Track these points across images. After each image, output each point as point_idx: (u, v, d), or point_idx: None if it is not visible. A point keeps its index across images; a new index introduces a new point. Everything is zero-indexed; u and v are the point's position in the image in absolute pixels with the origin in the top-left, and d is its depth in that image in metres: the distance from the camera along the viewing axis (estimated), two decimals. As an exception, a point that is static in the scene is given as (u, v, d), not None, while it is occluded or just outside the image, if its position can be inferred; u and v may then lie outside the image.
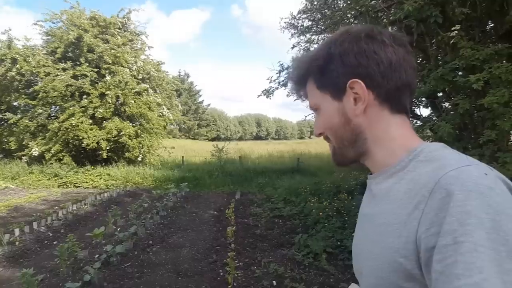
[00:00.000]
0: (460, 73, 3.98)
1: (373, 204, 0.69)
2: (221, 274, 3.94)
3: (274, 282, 3.72)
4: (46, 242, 5.09)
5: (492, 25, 4.66)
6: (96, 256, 4.32)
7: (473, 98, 3.78)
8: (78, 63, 12.19)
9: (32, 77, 12.21)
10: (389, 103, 0.67)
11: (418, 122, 5.63)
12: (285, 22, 9.13)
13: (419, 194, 0.56)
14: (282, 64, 8.23)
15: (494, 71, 3.27)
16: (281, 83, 8.30)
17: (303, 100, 0.80)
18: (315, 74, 0.72)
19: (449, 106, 4.97)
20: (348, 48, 0.66)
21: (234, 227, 5.58)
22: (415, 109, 6.14)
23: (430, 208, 0.52)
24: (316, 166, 12.86)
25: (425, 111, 8.10)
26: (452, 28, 3.69)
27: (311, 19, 8.56)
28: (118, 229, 5.58)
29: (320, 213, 5.88)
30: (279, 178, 10.74)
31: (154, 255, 4.54)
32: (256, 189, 9.73)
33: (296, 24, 9.02)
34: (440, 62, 4.45)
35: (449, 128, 3.71)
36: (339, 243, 4.71)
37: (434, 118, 5.33)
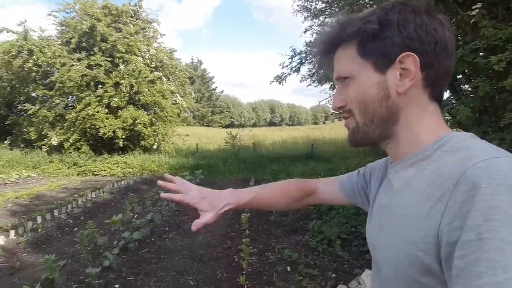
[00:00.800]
0: (481, 54, 3.81)
1: (392, 194, 0.66)
2: (236, 260, 3.99)
3: (288, 268, 3.75)
4: (67, 229, 5.27)
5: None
6: (115, 242, 4.45)
7: (494, 80, 3.63)
8: (92, 52, 12.31)
9: (48, 68, 12.42)
10: (431, 88, 0.63)
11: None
12: (298, 5, 8.94)
13: (444, 186, 0.53)
14: (295, 49, 8.10)
15: (518, 51, 3.11)
16: (293, 69, 8.18)
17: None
18: (362, 37, 0.63)
19: (469, 89, 4.79)
20: (409, 18, 0.60)
21: (248, 213, 5.62)
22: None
23: (454, 201, 0.49)
24: (330, 152, 12.77)
25: (444, 95, 7.86)
26: (473, 7, 3.52)
27: (325, 0, 8.34)
28: (135, 216, 5.72)
29: (335, 199, 5.85)
30: (293, 165, 10.72)
31: (170, 241, 4.64)
32: (270, 176, 9.74)
33: (309, 6, 8.82)
34: (460, 43, 4.28)
35: (468, 111, 3.58)
36: (353, 229, 4.69)
37: (453, 102, 5.16)
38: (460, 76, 4.79)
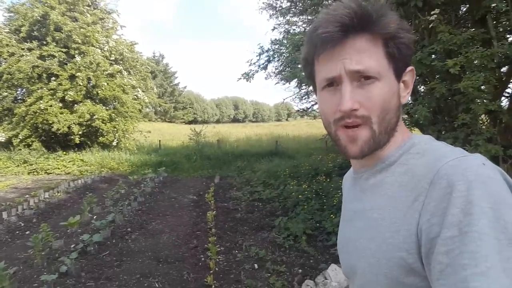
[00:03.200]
0: (436, 57, 4.04)
1: (364, 200, 0.67)
2: (203, 259, 3.93)
3: (256, 265, 3.76)
4: (17, 232, 4.89)
5: (465, 9, 4.73)
6: (72, 245, 4.20)
7: (449, 82, 3.86)
8: (44, 42, 11.52)
9: (-6, 58, 11.44)
10: None
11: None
12: (263, 3, 8.94)
13: (418, 186, 0.55)
14: (262, 46, 8.11)
15: (470, 56, 3.33)
16: (261, 66, 8.20)
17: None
18: (397, 38, 0.59)
19: (425, 90, 5.07)
20: (412, 35, 0.63)
21: (214, 211, 5.57)
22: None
23: (430, 199, 0.51)
24: (294, 149, 13.00)
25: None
26: (432, 12, 3.71)
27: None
28: (95, 217, 5.45)
29: (299, 196, 5.95)
30: (257, 161, 10.77)
31: (133, 243, 4.47)
32: (235, 173, 9.72)
33: (274, 5, 8.86)
34: (418, 46, 4.50)
35: (425, 111, 3.78)
36: (318, 224, 4.80)
37: (410, 102, 5.44)
38: (418, 77, 5.05)
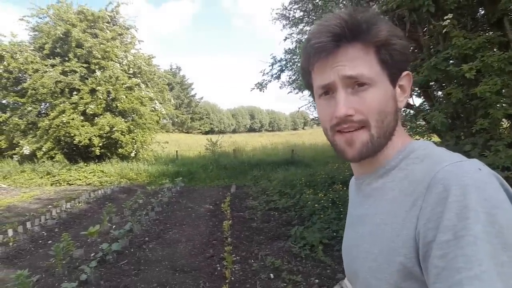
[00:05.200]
0: (452, 62, 3.98)
1: (367, 205, 0.68)
2: (218, 268, 3.94)
3: (272, 275, 3.73)
4: (40, 241, 5.04)
5: (483, 13, 4.66)
6: (92, 254, 4.30)
7: (466, 87, 3.78)
8: (66, 58, 11.99)
9: (20, 74, 11.99)
10: None
11: (411, 111, 5.64)
12: (276, 13, 9.05)
13: (416, 191, 0.56)
14: (275, 57, 8.18)
15: (486, 60, 3.26)
16: (274, 76, 8.25)
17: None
18: (388, 46, 0.61)
19: (442, 96, 4.98)
20: (406, 41, 0.64)
21: (230, 221, 5.58)
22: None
23: (427, 203, 0.52)
24: (310, 157, 12.91)
25: (418, 101, 8.13)
26: (445, 17, 3.68)
27: (303, 9, 8.48)
28: (114, 226, 5.56)
29: (316, 205, 5.90)
30: (273, 170, 10.75)
31: (151, 252, 4.53)
32: (251, 182, 9.73)
33: (287, 15, 8.94)
34: (432, 52, 4.44)
35: (442, 117, 3.71)
36: (335, 234, 4.74)
37: (427, 108, 5.34)
38: (433, 83, 4.98)
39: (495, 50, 3.61)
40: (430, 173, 0.55)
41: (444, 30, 3.73)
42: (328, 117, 0.63)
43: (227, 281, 3.54)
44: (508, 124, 4.03)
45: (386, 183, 0.64)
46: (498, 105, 3.44)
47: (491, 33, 3.74)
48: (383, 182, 0.64)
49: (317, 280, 3.57)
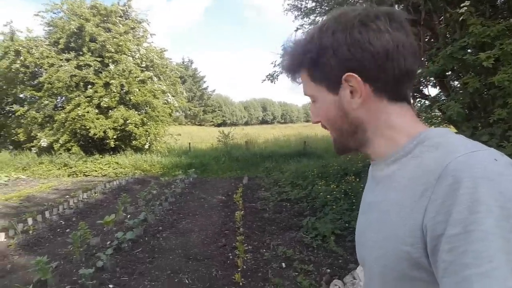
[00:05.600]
0: (469, 50, 3.88)
1: (377, 192, 0.67)
2: (231, 257, 3.99)
3: (283, 264, 3.77)
4: (58, 230, 5.20)
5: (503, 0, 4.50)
6: (108, 242, 4.41)
7: (483, 76, 3.69)
8: (81, 53, 12.16)
9: (36, 69, 12.25)
10: (387, 94, 0.63)
11: (427, 102, 5.54)
12: (288, 4, 8.93)
13: (426, 181, 0.54)
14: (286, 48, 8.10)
15: (506, 48, 3.17)
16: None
17: (300, 84, 0.74)
18: (308, 66, 0.67)
19: (458, 85, 4.86)
20: (341, 39, 0.61)
21: (242, 211, 5.63)
22: (423, 89, 6.03)
23: (437, 195, 0.51)
24: (322, 149, 12.83)
25: (433, 91, 7.97)
26: (462, 4, 3.57)
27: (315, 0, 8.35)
28: (128, 216, 5.68)
29: (328, 196, 5.89)
30: (286, 162, 10.75)
31: (164, 241, 4.62)
32: (263, 174, 9.76)
33: (299, 6, 8.82)
34: (448, 40, 4.34)
35: (458, 107, 3.63)
36: (347, 225, 4.73)
37: (442, 98, 5.23)
38: (450, 72, 4.86)
39: (514, 37, 3.49)
40: (442, 164, 0.52)
41: (461, 18, 3.63)
42: None
43: (239, 269, 3.59)
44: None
45: (397, 171, 0.62)
46: (516, 94, 3.34)
47: (511, 20, 3.62)
48: (394, 169, 0.63)
49: (328, 270, 3.59)
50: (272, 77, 8.32)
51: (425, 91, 5.92)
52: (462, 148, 0.53)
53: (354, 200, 5.56)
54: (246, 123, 59.86)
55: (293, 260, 3.82)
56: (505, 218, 0.44)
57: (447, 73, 4.95)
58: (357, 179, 6.85)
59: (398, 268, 0.56)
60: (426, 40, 5.31)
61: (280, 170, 9.64)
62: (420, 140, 0.60)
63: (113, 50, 12.08)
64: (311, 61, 0.66)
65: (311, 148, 12.77)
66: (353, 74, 0.61)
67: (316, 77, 0.67)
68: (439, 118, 4.80)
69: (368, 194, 0.73)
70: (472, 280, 0.43)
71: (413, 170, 0.58)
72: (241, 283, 3.32)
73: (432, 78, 5.45)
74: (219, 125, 43.56)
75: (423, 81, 5.79)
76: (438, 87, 5.80)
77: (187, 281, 3.46)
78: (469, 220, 0.45)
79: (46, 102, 11.96)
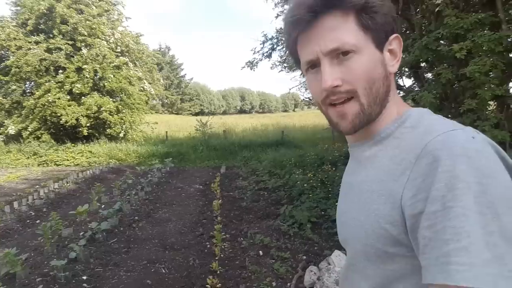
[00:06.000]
0: (443, 42, 3.97)
1: (358, 172, 0.68)
2: (208, 246, 3.98)
3: (261, 252, 3.80)
4: (28, 221, 5.00)
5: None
6: (81, 233, 4.29)
7: (455, 68, 3.80)
8: (51, 35, 11.60)
9: (2, 52, 11.60)
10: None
11: (401, 92, 5.66)
12: (268, -9, 8.83)
13: (406, 160, 0.55)
14: (266, 34, 8.04)
15: (477, 40, 3.27)
16: (265, 55, 8.14)
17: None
18: (365, 9, 0.58)
19: (431, 77, 5.00)
20: (388, 2, 0.61)
21: (220, 200, 5.61)
22: (398, 79, 6.16)
23: (416, 174, 0.51)
24: (300, 139, 12.97)
25: (408, 82, 8.16)
26: (438, -4, 3.64)
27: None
28: (103, 206, 5.54)
29: (305, 185, 5.96)
30: (264, 151, 10.79)
31: (141, 231, 4.55)
32: (241, 163, 9.76)
33: (279, -8, 8.73)
34: (424, 32, 4.43)
35: (431, 98, 3.74)
36: (323, 212, 4.81)
37: (416, 89, 5.37)
38: (424, 64, 4.98)
39: (486, 30, 3.60)
40: (421, 143, 0.53)
41: (437, 9, 3.70)
42: (318, 90, 0.62)
43: (216, 258, 3.59)
44: (495, 105, 4.09)
45: (379, 151, 0.63)
46: (486, 86, 3.48)
47: (482, 13, 3.73)
48: (376, 150, 0.63)
49: (304, 257, 3.65)
50: (251, 64, 8.25)
51: (400, 82, 6.06)
52: (440, 127, 0.54)
53: (330, 189, 5.66)
54: (224, 112, 59.44)
55: (270, 248, 3.85)
56: (482, 194, 0.45)
57: (421, 64, 5.07)
58: (333, 168, 6.97)
59: (378, 246, 0.57)
60: (403, 31, 5.41)
61: (258, 159, 9.66)
62: (401, 122, 0.62)
63: (85, 33, 11.58)
64: (370, 5, 0.58)
65: (288, 138, 12.87)
66: (399, 35, 0.62)
67: (368, 26, 0.58)
68: (412, 109, 4.93)
69: (349, 175, 0.74)
70: (451, 254, 0.44)
71: (393, 150, 0.59)
72: (218, 271, 3.32)
73: (407, 69, 5.57)
74: (196, 114, 42.94)
75: (398, 71, 5.91)
76: (412, 78, 5.95)
77: (164, 271, 3.42)
78: (447, 197, 0.46)
79: (14, 87, 11.39)
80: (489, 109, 4.15)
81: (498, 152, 0.52)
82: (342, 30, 0.58)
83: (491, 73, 3.52)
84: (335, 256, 3.21)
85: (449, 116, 4.32)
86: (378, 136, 0.63)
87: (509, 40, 3.49)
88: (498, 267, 0.43)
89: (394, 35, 0.62)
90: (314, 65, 0.61)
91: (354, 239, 0.64)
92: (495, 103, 4.05)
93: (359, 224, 0.62)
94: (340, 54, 0.58)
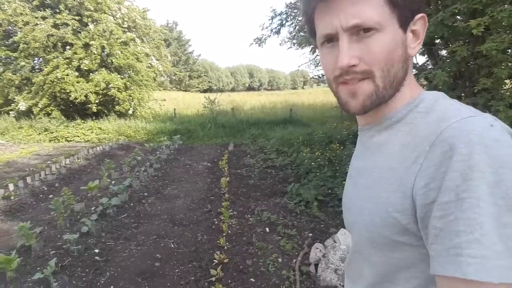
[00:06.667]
0: (459, 18, 3.81)
1: (367, 158, 0.66)
2: (216, 222, 4.06)
3: (267, 229, 3.86)
4: (41, 196, 5.14)
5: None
6: (92, 208, 4.40)
7: (471, 45, 3.66)
8: (57, 10, 11.45)
9: (10, 27, 11.51)
10: None
11: (414, 70, 5.52)
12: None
13: (419, 148, 0.52)
14: (275, 10, 7.82)
15: (496, 15, 3.12)
16: (273, 31, 7.95)
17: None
18: None
19: (446, 54, 4.84)
20: None
21: (228, 177, 5.67)
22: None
23: (430, 162, 0.49)
24: (308, 117, 12.87)
25: (421, 59, 7.94)
26: (456, -32, 3.46)
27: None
28: (113, 182, 5.65)
29: (312, 163, 5.97)
30: (271, 129, 10.76)
31: (150, 206, 4.64)
32: (249, 141, 9.77)
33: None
34: (440, 7, 4.24)
35: (444, 76, 3.63)
36: (330, 191, 4.84)
37: (429, 67, 5.22)
38: (439, 40, 4.81)
39: (506, 5, 3.43)
40: (436, 130, 0.51)
41: (454, -18, 3.52)
42: (331, 67, 0.58)
43: (224, 234, 3.66)
44: (511, 84, 3.96)
45: (389, 137, 0.60)
46: (503, 64, 3.35)
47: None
48: (387, 135, 0.61)
49: (310, 234, 3.70)
50: (259, 41, 8.09)
51: (413, 59, 5.89)
52: (456, 113, 0.52)
53: (337, 168, 5.66)
54: (233, 89, 59.02)
55: (277, 225, 3.91)
56: (497, 185, 0.44)
57: (436, 41, 4.90)
58: (342, 147, 6.94)
59: (386, 234, 0.56)
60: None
61: (265, 137, 9.65)
62: (414, 106, 0.59)
63: (92, 8, 11.40)
64: None
65: (297, 116, 12.78)
66: (425, 15, 0.58)
67: (396, 2, 0.54)
68: (424, 87, 4.81)
69: (358, 160, 0.72)
70: (463, 246, 0.43)
71: (405, 137, 0.57)
72: (225, 247, 3.40)
73: (421, 46, 5.39)
74: (205, 91, 42.77)
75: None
76: (426, 56, 5.77)
77: (172, 245, 3.51)
78: (462, 188, 0.44)
79: (23, 63, 11.39)
80: (505, 88, 4.03)
81: None
82: (367, 4, 0.53)
83: (509, 50, 3.39)
84: (340, 234, 3.24)
85: (462, 95, 4.20)
86: (388, 120, 0.61)
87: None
88: (511, 259, 0.42)
89: (420, 14, 0.58)
90: (331, 39, 0.58)
91: (361, 226, 0.63)
92: (511, 82, 3.92)
93: (367, 211, 0.61)
94: (361, 31, 0.54)
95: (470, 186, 0.44)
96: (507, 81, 3.92)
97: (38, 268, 3.00)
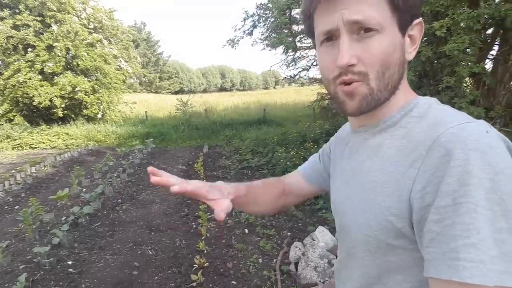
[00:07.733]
0: (424, 19, 3.99)
1: (360, 160, 0.66)
2: (194, 226, 4.02)
3: (246, 230, 3.87)
4: (6, 207, 4.87)
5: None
6: (63, 218, 4.22)
7: (435, 45, 3.84)
8: (17, 11, 10.87)
9: (-36, 28, 10.80)
10: None
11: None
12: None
13: (415, 152, 0.53)
14: (247, 11, 7.84)
15: (456, 17, 3.30)
16: (246, 32, 7.97)
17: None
18: None
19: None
20: None
21: (204, 180, 5.61)
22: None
23: (427, 167, 0.50)
24: (282, 117, 13.00)
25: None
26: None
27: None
28: (84, 189, 5.44)
29: (288, 162, 6.04)
30: (246, 130, 10.77)
31: (125, 213, 4.52)
32: (223, 142, 9.73)
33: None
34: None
35: (411, 75, 3.80)
36: (306, 190, 4.91)
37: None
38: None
39: (465, 8, 3.63)
40: (432, 135, 0.51)
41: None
42: (330, 67, 0.58)
43: (203, 237, 3.63)
44: (471, 82, 4.20)
45: (384, 140, 0.61)
46: (463, 64, 3.55)
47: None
48: (381, 139, 0.61)
49: (289, 233, 3.75)
50: (232, 42, 8.08)
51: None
52: (452, 119, 0.53)
53: (313, 166, 5.74)
54: (205, 91, 58.48)
55: (256, 226, 3.93)
56: (493, 191, 0.45)
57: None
58: (315, 146, 7.06)
59: (381, 237, 0.57)
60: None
61: (240, 138, 9.65)
62: (408, 110, 0.60)
63: (55, 9, 10.92)
64: None
65: (270, 116, 12.86)
66: (422, 21, 0.59)
67: (398, 6, 0.55)
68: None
69: (348, 161, 0.71)
70: (460, 250, 0.44)
71: (400, 141, 0.58)
72: (205, 251, 3.37)
73: (417, 51, 5.59)
74: (176, 93, 42.09)
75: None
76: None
77: (150, 252, 3.44)
78: (459, 193, 0.45)
79: (-20, 67, 10.73)
80: (465, 85, 4.26)
81: (510, 148, 0.50)
82: (370, 4, 0.54)
83: (468, 50, 3.59)
84: (318, 232, 3.31)
85: (427, 93, 4.41)
86: (382, 123, 0.62)
87: (485, 17, 3.54)
88: (505, 263, 0.42)
89: (418, 19, 0.59)
90: (330, 37, 0.58)
91: (355, 229, 0.63)
92: (472, 80, 4.15)
93: (361, 214, 0.61)
94: (362, 30, 0.54)
95: (467, 191, 0.45)
96: (467, 79, 4.16)
97: (7, 285, 2.84)
